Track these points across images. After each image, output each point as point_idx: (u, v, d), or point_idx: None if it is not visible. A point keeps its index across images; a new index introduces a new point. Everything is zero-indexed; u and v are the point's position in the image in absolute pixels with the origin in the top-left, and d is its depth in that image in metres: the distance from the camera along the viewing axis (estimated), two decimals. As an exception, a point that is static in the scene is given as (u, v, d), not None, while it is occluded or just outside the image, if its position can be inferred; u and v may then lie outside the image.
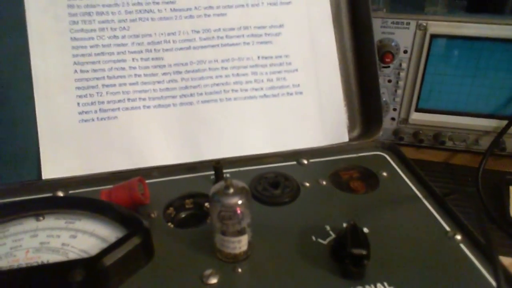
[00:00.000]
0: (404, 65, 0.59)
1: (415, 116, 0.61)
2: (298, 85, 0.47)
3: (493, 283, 0.29)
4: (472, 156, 0.61)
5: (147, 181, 0.39)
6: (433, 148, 0.63)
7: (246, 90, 0.46)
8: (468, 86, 0.58)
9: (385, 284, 0.29)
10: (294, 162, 0.43)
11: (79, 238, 0.32)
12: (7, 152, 0.42)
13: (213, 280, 0.30)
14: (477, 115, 0.59)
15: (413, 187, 0.39)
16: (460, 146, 0.62)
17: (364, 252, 0.29)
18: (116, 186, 0.36)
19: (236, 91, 0.46)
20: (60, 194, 0.39)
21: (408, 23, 0.56)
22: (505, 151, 0.59)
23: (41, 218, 0.34)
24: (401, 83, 0.60)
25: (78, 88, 0.43)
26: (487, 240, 0.29)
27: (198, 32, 0.45)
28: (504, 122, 0.56)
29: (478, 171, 0.54)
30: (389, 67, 0.59)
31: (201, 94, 0.45)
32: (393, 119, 0.62)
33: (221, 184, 0.30)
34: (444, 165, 0.62)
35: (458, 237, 0.33)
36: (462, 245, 0.32)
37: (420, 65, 0.58)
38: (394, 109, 0.62)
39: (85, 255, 0.30)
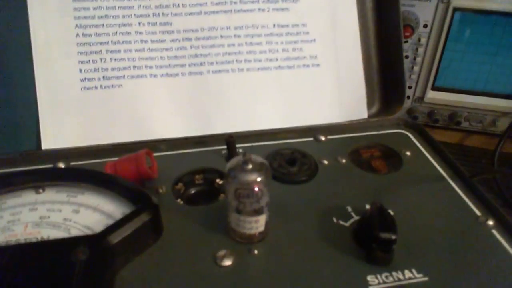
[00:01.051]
0: (423, 40, 0.56)
1: (431, 95, 0.59)
2: (316, 56, 0.44)
3: (527, 271, 0.28)
4: (487, 137, 0.59)
5: (154, 155, 0.36)
6: (447, 129, 0.60)
7: (260, 60, 0.43)
8: (489, 65, 0.56)
9: (413, 271, 0.27)
10: (311, 139, 0.41)
11: (82, 213, 0.29)
12: (5, 120, 0.39)
13: (228, 262, 0.28)
14: (496, 95, 0.57)
15: (439, 168, 0.37)
16: (476, 127, 0.59)
17: (393, 236, 0.27)
18: (121, 158, 0.33)
19: (249, 61, 0.43)
20: (61, 165, 0.36)
21: (431, -5, 0.53)
22: (523, 134, 0.57)
23: (40, 190, 0.31)
24: (418, 59, 0.57)
25: (80, 53, 0.40)
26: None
27: (210, -5, 0.42)
28: (524, 104, 0.54)
29: (494, 153, 0.52)
30: (407, 41, 0.56)
31: (212, 63, 0.42)
32: (408, 97, 0.60)
33: (238, 159, 0.27)
34: (459, 146, 0.60)
35: (490, 222, 0.31)
36: (494, 231, 0.30)
37: (440, 40, 0.55)
38: (410, 87, 0.59)
39: (88, 232, 0.28)
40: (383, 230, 0.27)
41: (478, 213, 0.32)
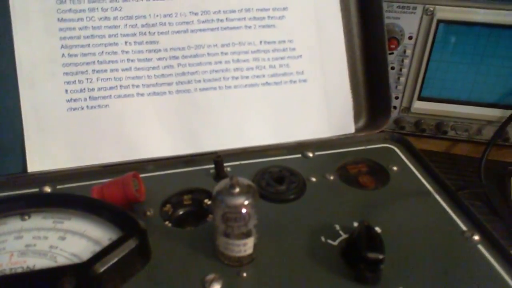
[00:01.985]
0: (408, 52, 0.56)
1: (418, 105, 0.59)
2: (302, 72, 0.44)
3: (513, 286, 0.28)
4: (475, 146, 0.60)
5: (141, 175, 0.36)
6: (434, 138, 0.61)
7: (247, 77, 0.43)
8: (473, 75, 0.56)
9: (401, 289, 0.27)
10: (299, 155, 0.41)
11: (69, 239, 0.29)
12: (-11, 143, 0.39)
13: (217, 286, 0.28)
14: (481, 104, 0.58)
15: (425, 182, 0.37)
16: (462, 136, 0.60)
17: (380, 256, 0.27)
18: (108, 182, 0.33)
19: (237, 78, 0.43)
20: (47, 189, 0.36)
21: (415, 8, 0.54)
22: (509, 142, 0.58)
23: (26, 217, 0.31)
24: (404, 71, 0.58)
25: (66, 73, 0.40)
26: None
27: (196, 14, 0.42)
28: (509, 112, 0.55)
29: (481, 161, 0.53)
30: (392, 53, 0.57)
31: (199, 81, 0.42)
32: (394, 107, 0.60)
33: (225, 182, 0.27)
34: (446, 155, 0.60)
35: (476, 237, 0.31)
36: (480, 246, 0.31)
37: (425, 52, 0.56)
38: (396, 98, 0.60)
39: (75, 259, 0.28)
40: (370, 250, 0.27)
41: (464, 228, 0.32)
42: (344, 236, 0.31)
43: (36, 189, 0.36)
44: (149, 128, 0.41)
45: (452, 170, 0.57)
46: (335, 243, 0.31)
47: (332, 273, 0.29)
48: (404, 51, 0.56)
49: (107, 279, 0.26)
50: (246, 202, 0.27)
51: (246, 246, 0.28)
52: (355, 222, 0.32)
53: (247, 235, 0.28)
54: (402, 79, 0.58)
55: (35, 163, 0.39)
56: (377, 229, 0.32)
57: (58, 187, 0.37)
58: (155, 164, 0.39)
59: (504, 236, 0.45)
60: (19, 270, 0.27)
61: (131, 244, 0.28)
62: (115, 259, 0.27)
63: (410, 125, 0.61)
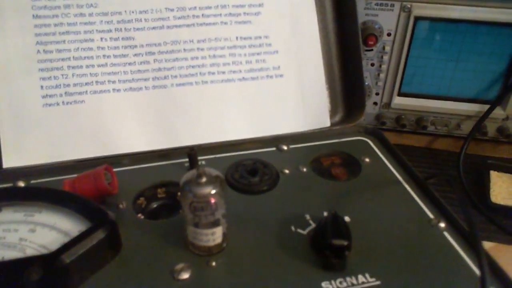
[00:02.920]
0: (387, 49, 0.57)
1: (398, 101, 0.60)
2: (279, 67, 0.45)
3: (477, 271, 0.28)
4: (454, 140, 0.61)
5: (116, 170, 0.36)
6: (415, 133, 0.62)
7: (223, 72, 0.43)
8: (451, 70, 0.57)
9: (367, 275, 0.28)
10: (274, 148, 0.41)
11: (39, 232, 0.29)
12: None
13: (185, 275, 0.28)
14: (459, 100, 0.59)
15: (396, 173, 0.38)
16: (442, 131, 0.61)
17: (345, 243, 0.27)
18: (80, 175, 0.33)
19: (213, 73, 0.43)
20: (21, 184, 0.36)
21: (392, 5, 0.54)
22: (487, 136, 0.59)
23: (-3, 210, 0.31)
24: (384, 67, 0.58)
25: (41, 70, 0.40)
26: (471, 229, 0.28)
27: (172, 10, 0.42)
28: (486, 107, 0.56)
29: (460, 155, 0.54)
30: (372, 50, 0.57)
31: (175, 76, 0.43)
32: (375, 103, 0.61)
33: (192, 172, 0.28)
34: (426, 149, 0.61)
35: (442, 224, 0.32)
36: (446, 233, 0.31)
37: (404, 48, 0.56)
38: (377, 94, 0.60)
39: (44, 251, 0.28)
40: (335, 237, 0.28)
41: (431, 215, 0.33)
42: (313, 225, 0.32)
43: (10, 184, 0.36)
44: (126, 124, 0.41)
45: (432, 164, 0.58)
46: (305, 232, 0.31)
47: (300, 261, 0.29)
48: (383, 48, 0.57)
49: (75, 270, 0.27)
50: (213, 192, 0.27)
51: (215, 236, 0.29)
52: (325, 212, 0.33)
53: (215, 224, 0.28)
54: (382, 75, 0.59)
55: (11, 159, 0.39)
56: (347, 218, 0.32)
57: (32, 182, 0.37)
58: (130, 158, 0.39)
59: (484, 228, 0.45)
60: (-13, 262, 0.27)
61: (99, 235, 0.28)
62: (83, 250, 0.27)
63: (391, 121, 0.62)
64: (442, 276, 0.28)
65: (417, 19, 0.54)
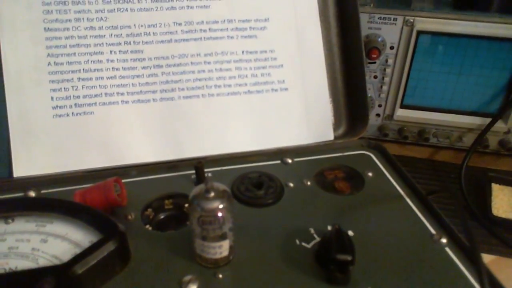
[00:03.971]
0: (390, 61, 0.58)
1: (400, 113, 0.61)
2: (283, 81, 0.46)
3: (478, 287, 0.29)
4: (456, 152, 0.61)
5: (124, 181, 0.37)
6: (417, 145, 0.63)
7: (229, 85, 0.44)
8: (453, 83, 0.58)
9: (370, 290, 0.29)
10: (278, 161, 0.42)
11: (51, 242, 0.30)
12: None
13: (193, 287, 0.29)
14: (461, 112, 0.59)
15: (399, 188, 0.38)
16: (444, 143, 0.62)
17: (349, 258, 0.28)
18: (90, 187, 0.34)
19: (219, 86, 0.44)
20: (32, 194, 0.37)
21: (395, 19, 0.55)
22: (488, 148, 0.60)
23: (10, 220, 0.32)
24: (386, 79, 0.59)
25: (52, 81, 0.41)
26: (472, 244, 0.28)
27: (180, 24, 0.43)
28: (488, 120, 0.56)
29: (461, 168, 0.55)
30: (375, 63, 0.58)
31: (182, 89, 0.43)
32: (378, 115, 0.62)
33: (201, 187, 0.29)
34: (428, 161, 0.62)
35: (444, 240, 0.32)
36: (447, 249, 0.32)
37: (406, 61, 0.57)
38: (380, 105, 0.61)
39: (56, 261, 0.29)
40: (340, 252, 0.28)
41: (432, 231, 0.34)
42: (317, 239, 0.32)
43: (21, 194, 0.37)
44: (133, 135, 0.42)
45: (434, 176, 0.59)
46: (309, 246, 0.32)
47: (305, 275, 0.30)
48: (386, 61, 0.58)
49: (86, 281, 0.27)
50: (220, 206, 0.28)
51: (222, 249, 0.30)
52: (329, 226, 0.34)
53: (222, 237, 0.29)
54: (385, 88, 0.60)
55: (21, 168, 0.40)
56: (350, 232, 0.33)
57: (43, 191, 0.37)
58: (138, 169, 0.40)
59: (485, 241, 0.46)
60: (1, 271, 0.28)
61: (110, 246, 0.29)
62: (94, 261, 0.28)
63: (393, 132, 0.62)
64: (443, 291, 0.29)
65: (420, 33, 0.55)
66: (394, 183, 0.39)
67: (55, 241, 0.30)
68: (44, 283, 0.26)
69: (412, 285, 0.29)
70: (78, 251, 0.29)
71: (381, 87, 0.60)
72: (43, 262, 0.29)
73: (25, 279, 0.26)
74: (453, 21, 0.54)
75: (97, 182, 0.35)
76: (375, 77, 0.60)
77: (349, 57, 0.47)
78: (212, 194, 0.28)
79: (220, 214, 0.28)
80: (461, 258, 0.31)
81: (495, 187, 0.54)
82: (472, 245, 0.27)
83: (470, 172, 0.56)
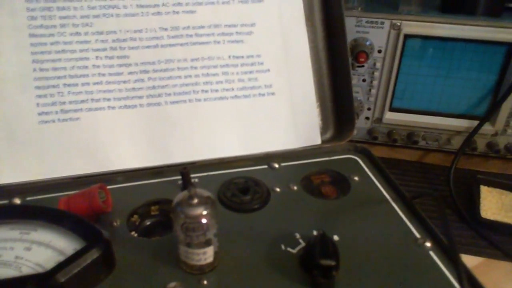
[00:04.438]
0: (378, 65, 0.58)
1: (389, 116, 0.61)
2: (270, 85, 0.46)
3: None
4: (445, 155, 0.62)
5: (110, 187, 0.37)
6: (406, 148, 0.63)
7: (216, 90, 0.44)
8: (441, 86, 0.59)
9: (354, 295, 0.29)
10: (265, 166, 0.42)
11: (34, 250, 0.30)
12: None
13: (177, 293, 0.29)
14: (449, 115, 0.60)
15: (384, 192, 0.39)
16: (432, 146, 0.62)
17: (332, 263, 0.28)
18: (75, 194, 0.34)
19: (206, 91, 0.44)
20: (17, 201, 0.37)
21: (383, 23, 0.56)
22: (476, 151, 0.60)
23: (-7, 229, 0.31)
24: (375, 83, 0.60)
25: (38, 87, 0.41)
26: (451, 244, 0.29)
27: (166, 29, 0.43)
28: (475, 122, 0.57)
29: (450, 170, 0.55)
30: (363, 66, 0.59)
31: (169, 94, 0.43)
32: (367, 118, 0.62)
33: (184, 193, 0.29)
34: (417, 164, 0.62)
35: (428, 244, 0.32)
36: (431, 253, 0.32)
37: (394, 64, 0.58)
38: (369, 109, 0.62)
39: (40, 269, 0.28)
40: (323, 257, 0.28)
41: (417, 235, 0.34)
42: (303, 244, 0.32)
43: (6, 201, 0.37)
44: (120, 140, 0.42)
45: (423, 179, 0.59)
46: (294, 251, 0.32)
47: (290, 280, 0.30)
48: (374, 64, 0.58)
49: (69, 288, 0.27)
50: (204, 212, 0.28)
51: (206, 255, 0.30)
52: (315, 231, 0.34)
53: (206, 244, 0.29)
54: (373, 91, 0.60)
55: (6, 175, 0.39)
56: (335, 237, 0.33)
57: (28, 198, 0.37)
58: (124, 175, 0.40)
59: (473, 243, 0.46)
60: (-17, 281, 0.28)
61: (93, 254, 0.28)
62: (78, 269, 0.27)
63: (382, 135, 0.63)
64: (427, 295, 0.29)
65: (407, 36, 0.56)
66: (380, 187, 0.39)
67: (39, 249, 0.30)
68: (26, 292, 0.26)
69: (396, 289, 0.29)
70: (62, 258, 0.29)
71: (370, 90, 0.60)
72: (26, 270, 0.28)
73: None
74: (440, 25, 0.54)
75: (83, 188, 0.35)
76: (364, 80, 0.60)
77: (336, 61, 0.47)
78: (196, 200, 0.28)
79: (204, 221, 0.28)
80: (445, 261, 0.31)
81: (484, 189, 0.54)
82: (451, 245, 0.28)
83: (459, 174, 0.56)
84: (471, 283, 0.27)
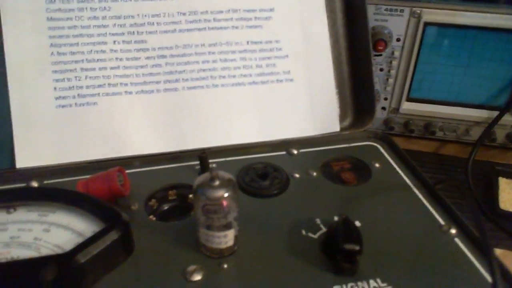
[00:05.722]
0: (396, 54, 0.57)
1: (406, 106, 0.60)
2: (289, 71, 0.45)
3: (489, 278, 0.28)
4: (462, 146, 0.61)
5: (128, 171, 0.37)
6: (423, 138, 0.62)
7: (234, 76, 0.44)
8: (460, 76, 0.57)
9: (378, 280, 0.28)
10: (284, 152, 0.42)
11: (53, 232, 0.30)
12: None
13: (197, 277, 0.28)
14: (468, 106, 0.59)
15: (406, 179, 0.38)
16: (450, 137, 0.61)
17: (356, 247, 0.27)
18: (93, 176, 0.33)
19: (224, 77, 0.44)
20: (35, 184, 0.37)
21: (402, 10, 0.55)
22: (495, 142, 0.59)
23: (12, 210, 0.31)
24: (393, 72, 0.59)
25: (55, 71, 0.41)
26: (482, 235, 0.28)
27: (184, 14, 0.43)
28: (495, 113, 0.56)
29: (468, 161, 0.54)
30: (381, 55, 0.58)
31: (186, 79, 0.43)
32: (383, 108, 0.61)
33: (206, 175, 0.28)
34: (434, 155, 0.61)
35: (453, 231, 0.32)
36: (457, 239, 0.31)
37: (413, 53, 0.57)
38: (385, 99, 0.60)
39: (59, 251, 0.28)
40: (347, 242, 0.28)
41: (441, 221, 0.33)
42: (324, 229, 0.32)
43: (24, 184, 0.37)
44: (137, 126, 0.42)
45: (440, 170, 0.58)
46: (316, 236, 0.32)
47: (311, 265, 0.29)
48: (392, 53, 0.57)
49: (89, 270, 0.27)
50: (225, 195, 0.28)
51: (227, 238, 0.29)
52: (335, 216, 0.33)
53: (227, 227, 0.29)
54: (391, 81, 0.59)
55: (24, 159, 0.39)
56: (357, 223, 0.32)
57: (45, 182, 0.37)
58: (141, 160, 0.40)
59: (492, 235, 0.45)
60: (3, 261, 0.27)
61: (113, 235, 0.28)
62: (97, 250, 0.27)
63: (399, 126, 0.62)
64: (453, 282, 0.28)
65: (427, 24, 0.55)
66: (402, 173, 0.38)
67: (58, 231, 0.30)
68: (47, 271, 0.25)
69: (422, 276, 0.29)
70: (80, 240, 0.28)
71: (387, 80, 0.59)
72: (45, 251, 0.28)
73: (28, 268, 0.26)
74: (461, 12, 0.53)
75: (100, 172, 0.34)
76: (381, 69, 0.59)
77: (356, 48, 0.47)
78: (217, 182, 0.28)
79: (225, 203, 0.28)
80: (471, 249, 0.30)
81: (502, 181, 0.53)
82: (483, 235, 0.27)
83: (477, 166, 0.55)
84: (501, 272, 0.26)
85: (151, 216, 0.34)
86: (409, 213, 0.34)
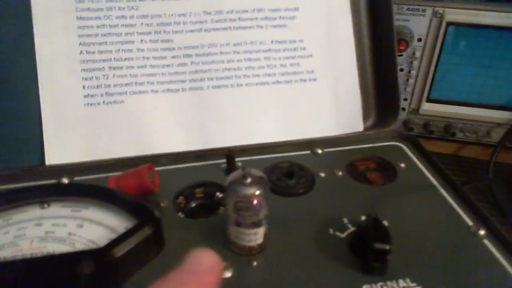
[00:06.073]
0: (417, 54, 0.57)
1: (426, 107, 0.60)
2: (313, 71, 0.45)
3: (519, 281, 0.28)
4: (483, 148, 0.60)
5: (156, 169, 0.37)
6: (443, 140, 0.62)
7: (258, 75, 0.44)
8: (482, 77, 0.57)
9: (408, 280, 0.28)
10: (308, 152, 0.42)
11: (86, 227, 0.30)
12: (10, 136, 0.40)
13: (228, 274, 0.28)
14: (489, 107, 0.58)
15: (433, 179, 0.38)
16: (470, 138, 0.61)
17: (387, 247, 0.28)
18: (124, 173, 0.34)
19: (248, 76, 0.44)
20: (65, 180, 0.37)
21: (424, 10, 0.54)
22: (517, 144, 0.58)
23: (46, 205, 0.32)
24: (413, 72, 0.59)
25: (84, 70, 0.41)
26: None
27: (210, 13, 0.43)
28: (517, 115, 0.55)
29: (489, 163, 0.53)
30: (401, 55, 0.58)
31: (211, 79, 0.43)
32: (403, 109, 0.61)
33: (238, 173, 0.28)
34: (454, 157, 0.61)
35: (482, 232, 0.32)
36: (486, 241, 0.31)
37: (434, 54, 0.56)
38: (405, 99, 0.60)
39: (93, 246, 0.29)
40: (377, 241, 0.28)
41: (470, 222, 0.33)
42: (351, 228, 0.32)
43: (54, 181, 0.37)
44: (163, 124, 0.42)
45: (460, 172, 0.58)
46: (343, 235, 0.32)
47: (339, 264, 0.29)
48: (413, 53, 0.57)
49: (124, 265, 0.27)
50: (257, 192, 0.28)
51: (257, 236, 0.29)
52: (362, 216, 0.33)
53: (257, 224, 0.29)
54: (411, 81, 0.59)
55: (53, 156, 0.40)
56: (385, 222, 0.32)
57: (75, 178, 0.38)
58: (168, 158, 0.40)
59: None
60: (39, 255, 0.28)
61: (146, 231, 0.29)
62: (132, 245, 0.28)
63: (418, 127, 0.61)
64: (483, 284, 0.28)
65: (449, 24, 0.54)
66: (428, 174, 0.38)
67: (91, 226, 0.30)
68: (84, 266, 0.26)
69: (451, 277, 0.29)
70: (113, 236, 0.29)
71: (407, 80, 0.59)
72: (79, 246, 0.29)
73: (65, 262, 0.27)
74: (485, 12, 0.53)
75: (128, 170, 0.35)
76: (402, 70, 0.59)
77: (380, 47, 0.47)
78: (249, 180, 0.28)
79: (256, 201, 0.28)
80: (501, 251, 0.30)
81: (525, 183, 0.52)
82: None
83: (498, 168, 0.55)
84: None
85: (179, 213, 0.34)
86: (436, 213, 0.34)
